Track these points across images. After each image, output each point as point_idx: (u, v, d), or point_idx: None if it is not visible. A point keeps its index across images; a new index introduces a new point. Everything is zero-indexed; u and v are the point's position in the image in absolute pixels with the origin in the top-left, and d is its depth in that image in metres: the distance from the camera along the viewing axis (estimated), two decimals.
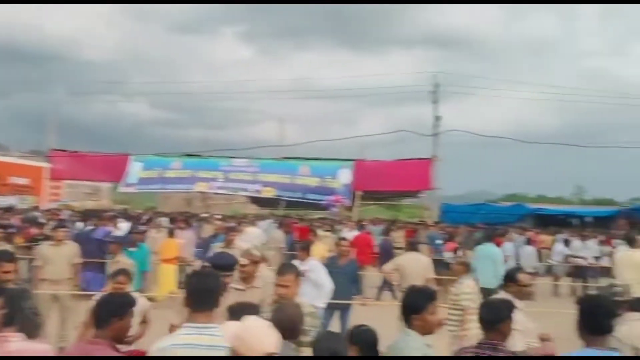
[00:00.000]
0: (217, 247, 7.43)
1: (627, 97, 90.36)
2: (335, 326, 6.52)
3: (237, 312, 2.82)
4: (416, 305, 2.83)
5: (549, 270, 15.16)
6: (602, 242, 16.33)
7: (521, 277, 3.66)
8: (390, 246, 13.11)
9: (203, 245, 10.92)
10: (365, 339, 2.73)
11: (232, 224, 11.17)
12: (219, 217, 16.79)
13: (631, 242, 9.45)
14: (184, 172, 26.26)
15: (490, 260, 8.29)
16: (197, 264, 8.75)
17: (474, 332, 5.00)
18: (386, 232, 15.21)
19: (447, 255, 12.53)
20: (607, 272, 12.11)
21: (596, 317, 2.68)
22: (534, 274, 13.21)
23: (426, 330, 2.84)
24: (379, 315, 5.48)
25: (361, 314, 6.34)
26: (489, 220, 22.58)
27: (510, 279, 3.71)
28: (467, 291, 5.13)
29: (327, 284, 6.10)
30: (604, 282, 9.60)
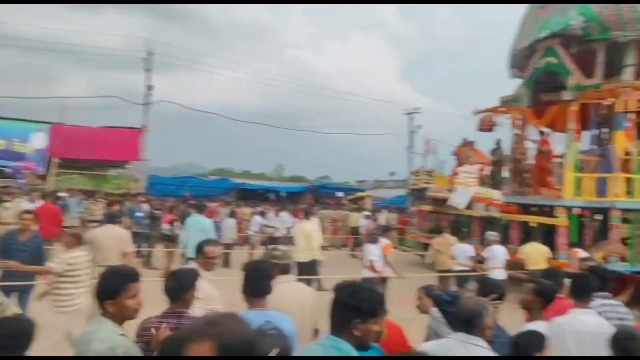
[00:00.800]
0: None
1: (320, 88, 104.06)
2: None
3: None
4: (110, 290, 2.52)
5: (247, 240, 16.52)
6: (292, 214, 18.68)
7: (207, 249, 3.88)
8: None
9: None
10: None
11: None
12: None
13: (307, 215, 11.17)
14: None
15: (201, 231, 8.55)
16: None
17: (84, 305, 5.19)
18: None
19: (165, 228, 12.55)
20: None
21: (254, 281, 2.94)
22: (233, 245, 14.23)
23: (124, 316, 2.55)
24: None
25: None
26: (195, 193, 23.19)
27: (198, 251, 3.92)
28: (73, 262, 5.20)
29: None
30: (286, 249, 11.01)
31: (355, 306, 2.13)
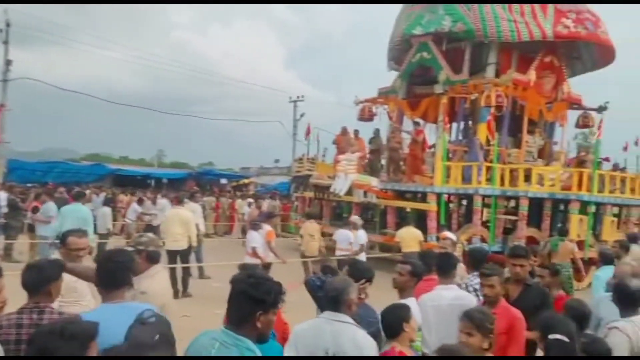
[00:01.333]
0: None
1: (205, 72, 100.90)
2: None
3: None
4: None
5: (123, 229, 15.64)
6: (172, 201, 17.99)
7: (71, 240, 3.59)
8: None
9: None
10: None
11: None
12: None
13: (181, 201, 11.00)
14: None
15: (79, 220, 7.98)
16: None
17: None
18: None
19: (29, 215, 11.52)
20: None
21: (110, 272, 2.68)
22: (107, 234, 13.37)
23: None
24: None
25: None
26: (65, 180, 21.44)
27: (62, 241, 3.60)
28: None
29: None
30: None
31: (260, 298, 2.07)
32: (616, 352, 3.05)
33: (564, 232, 10.73)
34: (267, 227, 8.86)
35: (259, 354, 2.06)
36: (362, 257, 9.44)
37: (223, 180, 30.72)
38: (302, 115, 30.75)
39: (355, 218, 10.74)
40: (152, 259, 3.38)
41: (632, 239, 7.85)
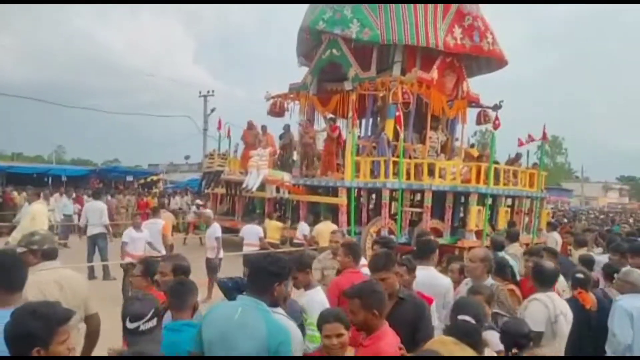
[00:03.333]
0: None
1: (109, 64, 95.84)
2: None
3: None
4: None
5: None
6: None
7: None
8: None
9: None
10: None
11: None
12: None
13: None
14: None
15: None
16: None
17: None
18: None
19: None
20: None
21: None
22: None
23: None
24: None
25: None
26: None
27: None
28: None
29: None
30: None
31: (277, 272, 2.59)
32: (535, 318, 3.68)
33: (513, 225, 12.02)
34: (161, 221, 9.41)
35: (271, 313, 2.52)
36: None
37: (129, 178, 29.38)
38: (212, 110, 30.10)
39: (258, 214, 10.89)
40: (48, 255, 3.23)
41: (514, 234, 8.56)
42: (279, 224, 12.23)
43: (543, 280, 4.02)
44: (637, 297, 4.17)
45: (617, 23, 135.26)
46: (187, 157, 40.39)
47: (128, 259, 8.26)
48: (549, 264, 4.32)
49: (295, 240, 11.73)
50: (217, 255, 9.14)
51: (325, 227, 10.74)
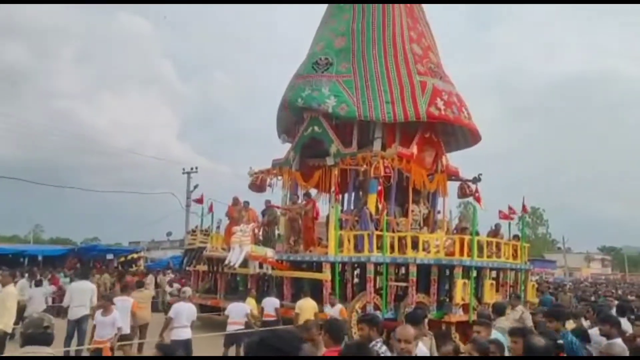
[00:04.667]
0: None
1: (93, 143, 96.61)
2: None
3: None
4: None
5: None
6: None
7: None
8: None
9: None
10: None
11: None
12: None
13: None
14: None
15: None
16: None
17: None
18: None
19: None
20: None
21: None
22: None
23: None
24: None
25: None
26: None
27: None
28: None
29: None
30: None
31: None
32: None
33: (519, 296, 12.48)
34: (130, 299, 9.41)
35: None
36: (186, 333, 8.61)
37: (109, 256, 28.74)
38: (196, 187, 30.17)
39: (185, 289, 10.33)
40: (32, 340, 3.11)
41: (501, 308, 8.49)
42: (253, 302, 11.75)
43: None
44: None
45: (594, 93, 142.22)
46: (169, 234, 39.89)
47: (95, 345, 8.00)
48: (539, 340, 4.11)
49: (265, 318, 10.87)
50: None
51: (307, 304, 10.57)
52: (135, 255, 28.62)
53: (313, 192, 15.96)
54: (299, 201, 15.58)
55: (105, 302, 8.66)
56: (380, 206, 13.89)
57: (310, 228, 14.16)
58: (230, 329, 9.48)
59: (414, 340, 4.20)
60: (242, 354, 9.30)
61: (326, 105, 14.88)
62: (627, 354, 4.31)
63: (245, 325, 9.55)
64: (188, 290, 10.33)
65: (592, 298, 17.99)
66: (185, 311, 8.66)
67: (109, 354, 8.14)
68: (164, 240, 41.57)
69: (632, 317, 7.07)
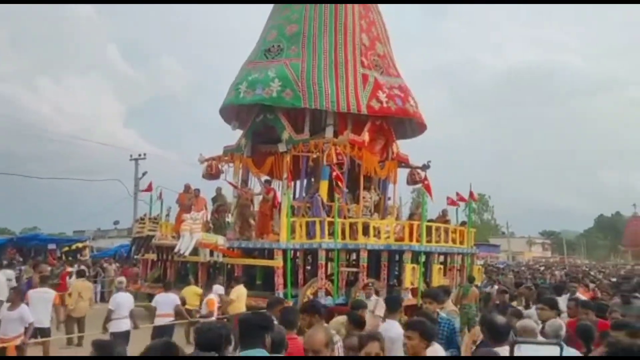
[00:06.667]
0: None
1: (34, 129, 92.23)
2: None
3: None
4: None
5: None
6: None
7: None
8: None
9: None
10: None
11: None
12: None
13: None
14: None
15: None
16: None
17: None
18: None
19: None
20: None
21: None
22: None
23: None
24: None
25: None
26: None
27: None
28: None
29: None
30: None
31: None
32: None
33: (472, 279, 12.70)
34: (52, 291, 8.90)
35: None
36: (125, 324, 8.36)
37: (51, 246, 27.61)
38: (144, 174, 29.34)
39: (119, 280, 10.02)
40: None
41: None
42: (198, 290, 11.58)
43: (496, 334, 3.96)
44: None
45: (537, 86, 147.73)
46: (116, 223, 38.72)
47: None
48: (500, 317, 4.25)
49: (159, 319, 9.21)
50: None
51: (242, 291, 10.35)
52: (80, 245, 27.61)
53: (270, 180, 15.82)
54: (254, 188, 15.46)
55: (14, 295, 7.93)
56: (339, 191, 13.95)
57: (268, 216, 14.06)
58: (159, 321, 8.97)
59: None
60: None
61: (270, 89, 14.70)
62: (537, 331, 4.56)
63: (176, 317, 9.19)
64: (124, 279, 10.01)
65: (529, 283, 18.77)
66: (126, 302, 8.42)
67: (14, 353, 7.23)
68: (111, 229, 40.42)
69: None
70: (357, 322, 4.69)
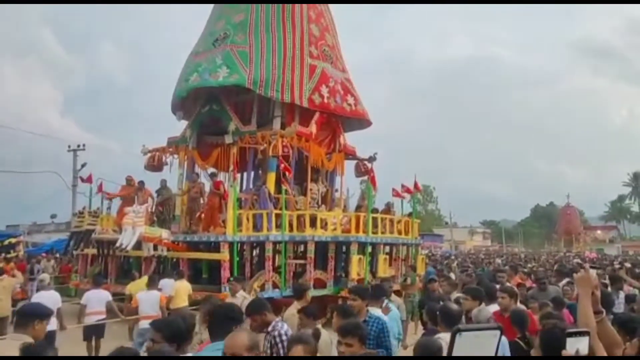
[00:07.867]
0: None
1: None
2: None
3: None
4: None
5: None
6: None
7: None
8: None
9: None
10: None
11: None
12: None
13: None
14: None
15: None
16: None
17: None
18: None
19: None
20: None
21: None
22: None
23: None
24: None
25: None
26: None
27: None
28: None
29: None
30: None
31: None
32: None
33: (415, 268, 13.17)
34: None
35: None
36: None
37: None
38: (83, 165, 28.16)
39: (41, 277, 9.60)
40: None
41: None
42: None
43: (449, 321, 4.06)
44: None
45: (479, 78, 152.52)
46: (53, 216, 37.04)
47: None
48: (454, 305, 4.44)
49: (89, 317, 8.80)
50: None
51: (182, 285, 10.10)
52: (13, 240, 26.21)
53: (216, 172, 15.54)
54: (199, 180, 15.15)
55: None
56: (279, 185, 13.88)
57: (217, 209, 13.81)
58: (90, 319, 8.62)
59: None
60: (101, 347, 8.59)
61: (217, 74, 14.46)
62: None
63: (108, 315, 8.84)
64: (46, 276, 9.63)
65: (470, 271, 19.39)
66: (48, 301, 7.90)
67: None
68: (48, 223, 38.62)
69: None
70: (310, 314, 4.81)
